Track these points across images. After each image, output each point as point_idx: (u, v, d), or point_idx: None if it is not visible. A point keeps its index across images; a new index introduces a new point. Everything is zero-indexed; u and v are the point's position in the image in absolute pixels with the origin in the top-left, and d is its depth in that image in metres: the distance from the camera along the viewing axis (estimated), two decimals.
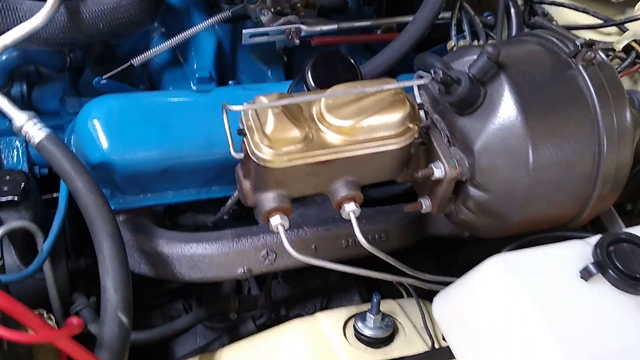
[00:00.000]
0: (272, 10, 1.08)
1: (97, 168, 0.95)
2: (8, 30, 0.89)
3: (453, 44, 1.05)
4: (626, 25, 1.03)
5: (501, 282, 0.66)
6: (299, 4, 1.11)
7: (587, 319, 0.62)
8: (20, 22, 0.89)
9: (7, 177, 0.94)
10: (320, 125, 0.74)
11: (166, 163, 0.97)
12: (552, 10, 1.13)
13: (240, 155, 0.76)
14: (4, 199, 0.91)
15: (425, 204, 0.84)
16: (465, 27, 1.07)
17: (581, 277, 0.64)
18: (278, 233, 0.75)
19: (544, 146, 0.77)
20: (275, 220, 0.75)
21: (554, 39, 0.84)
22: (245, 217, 1.14)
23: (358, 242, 0.97)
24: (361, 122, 0.73)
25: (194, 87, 1.12)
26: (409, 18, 1.10)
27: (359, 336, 0.87)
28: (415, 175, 0.80)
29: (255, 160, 0.72)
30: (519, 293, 0.64)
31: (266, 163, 0.72)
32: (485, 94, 0.78)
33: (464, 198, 0.83)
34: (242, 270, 0.95)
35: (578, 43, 0.80)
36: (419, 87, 0.81)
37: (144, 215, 1.03)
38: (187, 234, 0.97)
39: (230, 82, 1.16)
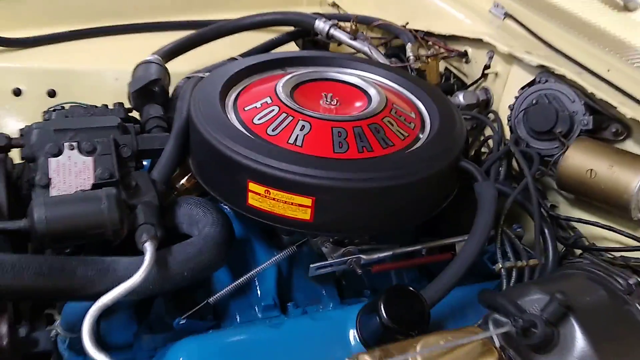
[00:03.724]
0: (332, 243, 1.18)
1: None
2: (107, 290, 0.96)
3: (500, 266, 1.15)
4: None
5: None
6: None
7: None
8: (119, 282, 0.97)
9: None
10: None
11: None
12: (579, 226, 1.26)
13: None
14: None
15: None
16: (508, 249, 1.18)
17: None
18: None
19: None
20: None
21: (604, 274, 0.95)
22: None
23: None
24: None
25: (260, 314, 1.20)
26: (455, 239, 1.23)
27: None
28: None
29: None
30: None
31: None
32: (559, 334, 0.87)
33: None
34: None
35: (631, 282, 0.90)
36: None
37: None
38: None
39: (289, 304, 1.23)
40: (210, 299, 1.12)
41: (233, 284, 1.14)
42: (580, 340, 0.86)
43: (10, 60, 1.75)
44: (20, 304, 1.20)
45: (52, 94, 1.73)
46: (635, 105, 1.18)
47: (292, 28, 1.82)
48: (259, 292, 1.22)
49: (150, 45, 1.63)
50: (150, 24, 1.91)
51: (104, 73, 1.75)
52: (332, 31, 1.67)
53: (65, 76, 1.74)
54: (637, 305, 0.89)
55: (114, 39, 1.89)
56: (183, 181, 1.30)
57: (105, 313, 1.22)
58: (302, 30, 1.77)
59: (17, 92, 1.72)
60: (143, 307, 1.25)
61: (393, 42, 1.80)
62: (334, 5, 2.15)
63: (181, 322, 1.10)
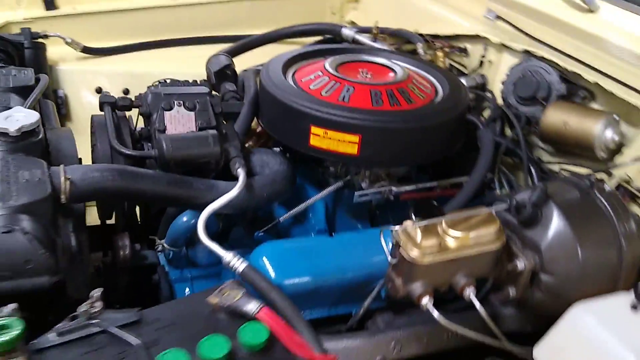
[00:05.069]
0: (370, 179, 1.55)
1: None
2: (210, 201, 1.32)
3: (498, 192, 1.52)
4: (612, 171, 1.51)
5: (584, 327, 1.03)
6: (383, 175, 1.59)
7: None
8: (219, 195, 1.32)
9: None
10: (445, 236, 1.16)
11: (313, 285, 1.35)
12: (555, 167, 1.63)
13: (395, 260, 1.17)
14: None
15: (512, 291, 1.24)
16: (504, 182, 1.55)
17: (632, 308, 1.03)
18: (428, 310, 1.14)
19: (586, 245, 1.20)
20: (425, 301, 1.14)
21: (576, 179, 1.31)
22: None
23: (455, 334, 1.35)
24: (471, 233, 1.16)
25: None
26: (462, 178, 1.59)
27: None
28: (505, 269, 1.21)
29: (409, 260, 1.13)
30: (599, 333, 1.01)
31: (416, 261, 1.13)
32: (542, 213, 1.23)
33: (537, 284, 1.23)
34: (379, 358, 1.30)
35: (592, 179, 1.27)
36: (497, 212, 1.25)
37: None
38: (345, 333, 1.33)
39: (333, 234, 1.59)
40: (281, 218, 1.48)
41: (295, 209, 1.50)
42: (556, 218, 1.22)
43: (94, 65, 2.15)
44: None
45: (126, 92, 2.11)
46: (595, 73, 1.57)
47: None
48: (312, 220, 1.58)
49: (203, 54, 2.04)
50: (203, 37, 2.32)
51: (167, 76, 2.13)
52: (357, 36, 2.07)
53: (137, 78, 2.13)
54: (597, 193, 1.26)
55: (175, 49, 2.30)
56: (250, 142, 1.67)
57: (191, 244, 1.60)
58: (331, 38, 2.17)
59: (99, 90, 2.12)
60: (221, 237, 1.60)
61: (406, 47, 2.19)
62: (352, 23, 2.56)
63: (260, 234, 1.46)
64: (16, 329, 0.85)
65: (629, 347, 0.97)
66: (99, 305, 0.93)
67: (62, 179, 1.18)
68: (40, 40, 2.01)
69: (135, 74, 2.16)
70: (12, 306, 0.89)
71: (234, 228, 1.60)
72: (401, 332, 1.34)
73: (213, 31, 2.36)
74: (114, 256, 1.44)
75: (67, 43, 2.10)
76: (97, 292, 0.94)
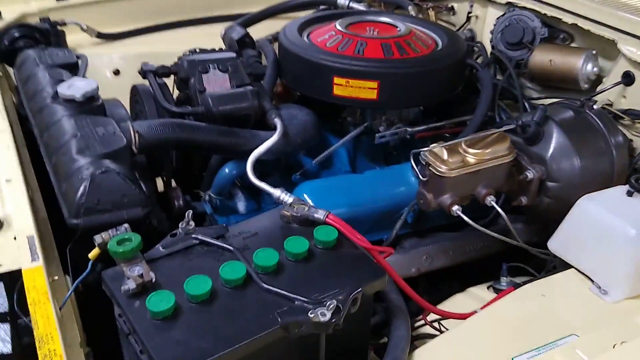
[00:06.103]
0: (386, 123, 1.74)
1: None
2: (253, 148, 1.49)
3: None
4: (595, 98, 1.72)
5: (590, 213, 1.25)
6: (396, 119, 1.78)
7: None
8: (261, 143, 1.50)
9: None
10: (466, 154, 1.36)
11: (349, 215, 1.53)
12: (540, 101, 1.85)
13: (425, 178, 1.36)
14: None
15: (524, 199, 1.45)
16: (503, 116, 1.76)
17: (628, 195, 1.25)
18: (459, 215, 1.34)
19: (583, 155, 1.42)
20: (455, 208, 1.34)
21: (568, 102, 1.53)
22: None
23: (474, 247, 1.56)
24: (487, 150, 1.37)
25: None
26: (466, 117, 1.80)
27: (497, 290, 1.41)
28: (517, 179, 1.42)
29: (439, 175, 1.33)
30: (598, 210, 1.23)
31: (445, 175, 1.33)
32: (544, 132, 1.44)
33: (544, 191, 1.44)
34: (414, 270, 1.50)
35: (583, 100, 1.48)
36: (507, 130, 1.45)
37: None
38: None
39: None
40: (313, 162, 1.67)
41: (325, 153, 1.69)
42: (556, 133, 1.44)
43: (111, 49, 2.30)
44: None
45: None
46: (572, 16, 1.79)
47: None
48: (338, 163, 1.77)
49: (206, 33, 2.21)
50: (205, 18, 2.48)
51: (178, 54, 2.30)
52: (352, 4, 2.25)
53: (148, 58, 2.25)
54: (588, 111, 1.47)
55: (180, 30, 2.46)
56: (273, 102, 1.85)
57: (229, 196, 1.77)
58: (327, 8, 2.35)
59: (117, 72, 2.27)
60: (254, 191, 1.78)
61: (396, 12, 2.38)
62: None
63: (297, 176, 1.65)
64: (136, 241, 1.02)
65: (629, 223, 1.19)
66: (192, 224, 1.11)
67: (132, 132, 1.35)
68: (59, 27, 2.15)
69: (147, 54, 2.28)
70: (125, 225, 1.06)
71: (267, 178, 1.77)
72: (430, 247, 1.55)
73: (213, 11, 2.52)
74: (169, 207, 1.61)
75: (83, 30, 2.24)
76: (189, 213, 1.11)
